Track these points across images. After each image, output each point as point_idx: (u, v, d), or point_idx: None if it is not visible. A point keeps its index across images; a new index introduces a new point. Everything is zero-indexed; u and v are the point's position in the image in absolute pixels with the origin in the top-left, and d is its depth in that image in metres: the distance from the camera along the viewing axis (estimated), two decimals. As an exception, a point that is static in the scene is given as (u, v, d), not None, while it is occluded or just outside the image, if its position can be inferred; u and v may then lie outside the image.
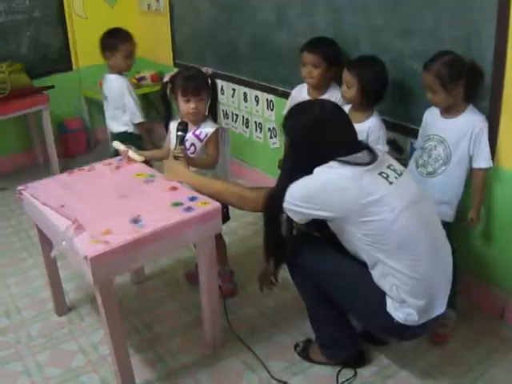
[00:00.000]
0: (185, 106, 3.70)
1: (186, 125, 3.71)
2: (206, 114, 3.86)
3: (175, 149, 3.65)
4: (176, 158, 3.61)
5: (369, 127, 3.78)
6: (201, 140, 3.77)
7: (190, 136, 3.77)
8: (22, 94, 6.08)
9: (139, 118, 4.83)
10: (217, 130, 3.78)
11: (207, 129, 3.77)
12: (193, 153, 3.76)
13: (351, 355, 3.43)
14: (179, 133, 3.68)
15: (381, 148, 3.71)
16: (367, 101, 3.78)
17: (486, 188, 3.54)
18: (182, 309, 4.08)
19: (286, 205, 2.97)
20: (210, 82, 3.81)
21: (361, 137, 3.66)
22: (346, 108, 3.86)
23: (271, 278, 3.44)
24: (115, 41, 4.77)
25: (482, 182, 3.48)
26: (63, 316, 4.07)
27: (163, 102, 3.90)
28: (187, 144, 3.75)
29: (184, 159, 3.61)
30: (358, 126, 3.68)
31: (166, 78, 3.83)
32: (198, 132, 3.77)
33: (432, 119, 3.59)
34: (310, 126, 2.94)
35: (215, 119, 3.90)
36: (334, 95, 4.18)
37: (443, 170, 3.47)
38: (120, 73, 4.90)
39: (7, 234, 5.33)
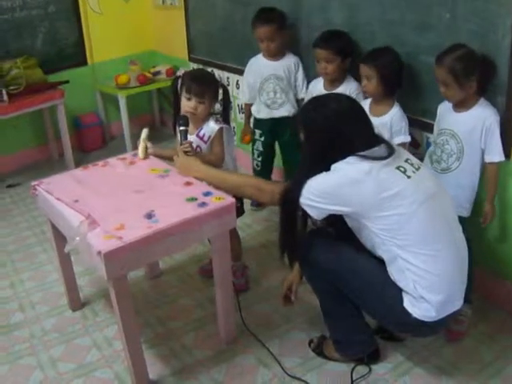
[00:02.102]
0: (185, 103, 3.71)
1: (187, 118, 3.72)
2: (215, 113, 3.86)
3: (181, 144, 3.65)
4: (186, 153, 3.61)
5: (391, 118, 3.81)
6: (205, 141, 3.78)
7: (194, 138, 3.78)
8: (36, 89, 6.10)
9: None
10: (220, 130, 3.77)
11: (210, 129, 3.77)
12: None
13: (366, 352, 3.41)
14: (181, 128, 3.69)
15: (403, 138, 3.79)
16: (388, 90, 3.80)
17: (498, 181, 3.50)
18: (196, 304, 4.08)
19: (303, 200, 2.94)
20: (221, 90, 3.83)
21: (384, 128, 3.68)
22: (366, 102, 3.88)
23: (288, 293, 3.45)
24: (253, 22, 4.75)
25: (495, 176, 3.45)
26: (77, 311, 4.08)
27: (174, 96, 3.89)
28: (193, 146, 3.76)
29: (193, 153, 3.62)
30: (380, 119, 3.76)
31: (179, 73, 3.82)
32: (201, 134, 3.78)
33: (444, 113, 3.58)
34: (326, 120, 2.91)
35: (228, 124, 3.90)
36: (349, 87, 4.24)
37: (457, 165, 3.45)
38: (264, 55, 4.90)
39: (21, 229, 5.35)
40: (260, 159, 5.22)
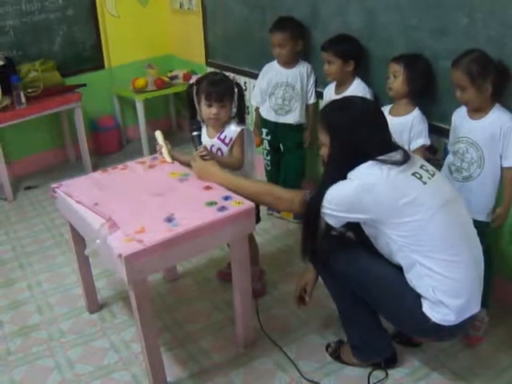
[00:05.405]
0: (206, 111, 3.71)
1: (199, 123, 3.78)
2: (232, 117, 3.83)
3: (197, 150, 3.67)
4: (202, 158, 3.62)
5: (412, 120, 3.82)
6: (226, 144, 3.79)
7: (215, 141, 3.80)
8: (54, 93, 6.13)
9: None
10: (241, 132, 3.77)
11: (231, 132, 3.77)
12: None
13: (383, 357, 3.41)
14: (194, 133, 3.75)
15: (424, 140, 3.82)
16: (412, 92, 3.83)
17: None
18: (213, 307, 4.09)
19: (322, 209, 2.95)
20: (236, 89, 3.79)
21: (404, 129, 3.74)
22: (387, 108, 3.91)
23: (303, 294, 3.45)
24: (270, 29, 4.87)
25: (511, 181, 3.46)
26: (95, 313, 4.09)
27: (188, 103, 3.89)
28: (213, 149, 3.79)
29: (210, 157, 3.63)
30: (401, 119, 3.80)
31: (193, 80, 3.83)
32: (222, 136, 3.79)
33: (460, 121, 3.57)
34: (353, 121, 2.90)
35: (243, 124, 3.88)
36: (357, 90, 4.29)
37: (479, 173, 3.43)
38: (278, 62, 5.02)
39: (39, 231, 5.37)
40: (269, 158, 5.36)
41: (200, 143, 3.72)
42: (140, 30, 7.14)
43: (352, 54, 4.32)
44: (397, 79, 3.81)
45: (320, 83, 4.90)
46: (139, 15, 7.12)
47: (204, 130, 3.86)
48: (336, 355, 3.54)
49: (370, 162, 2.83)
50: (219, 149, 3.80)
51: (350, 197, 2.86)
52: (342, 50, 4.28)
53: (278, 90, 4.97)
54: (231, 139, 3.77)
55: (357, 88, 4.33)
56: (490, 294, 3.48)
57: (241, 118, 3.85)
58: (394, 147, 2.95)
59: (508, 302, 3.85)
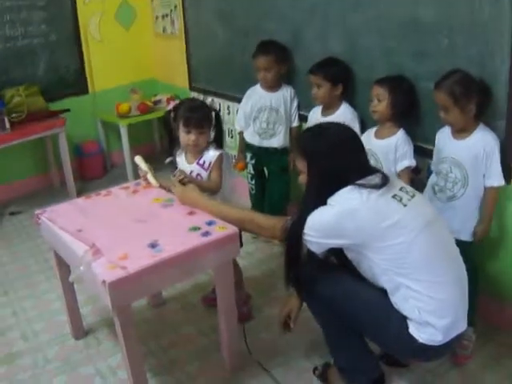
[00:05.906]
0: (185, 137, 3.72)
1: (171, 148, 3.84)
2: (210, 142, 3.86)
3: (174, 175, 3.69)
4: (181, 182, 3.63)
5: (396, 141, 3.83)
6: (205, 169, 3.80)
7: (194, 166, 3.82)
8: (38, 118, 6.14)
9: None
10: (220, 156, 3.79)
11: (210, 156, 3.79)
12: None
13: (371, 378, 3.38)
14: (167, 160, 3.81)
15: (409, 162, 3.83)
16: (396, 115, 3.84)
17: (496, 205, 3.52)
18: (199, 332, 4.07)
19: (303, 236, 2.96)
20: (214, 114, 3.82)
21: (389, 152, 3.77)
22: (372, 130, 3.95)
23: (288, 320, 3.43)
24: (253, 53, 4.88)
25: (493, 200, 3.47)
26: (80, 339, 4.07)
27: (166, 130, 3.91)
28: (193, 174, 3.80)
29: (188, 179, 3.66)
30: (385, 142, 3.82)
31: (170, 107, 3.84)
32: (201, 161, 3.80)
33: (444, 141, 3.60)
34: (330, 148, 2.93)
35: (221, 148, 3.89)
36: (344, 114, 4.31)
37: (463, 192, 3.46)
38: (261, 86, 5.02)
39: (24, 257, 5.34)
40: (253, 182, 5.33)
41: (175, 168, 3.72)
42: (123, 54, 7.18)
43: (341, 77, 4.32)
44: (381, 103, 3.82)
45: (303, 107, 4.92)
46: (122, 39, 7.16)
47: (182, 156, 3.88)
48: (323, 378, 3.52)
49: (349, 187, 2.84)
50: (199, 174, 3.81)
51: (330, 223, 2.87)
52: (331, 74, 4.28)
53: (262, 113, 4.97)
54: (210, 164, 3.78)
55: (344, 112, 4.34)
56: (475, 311, 3.48)
57: (219, 143, 3.87)
58: (372, 170, 2.96)
59: (492, 319, 3.86)
